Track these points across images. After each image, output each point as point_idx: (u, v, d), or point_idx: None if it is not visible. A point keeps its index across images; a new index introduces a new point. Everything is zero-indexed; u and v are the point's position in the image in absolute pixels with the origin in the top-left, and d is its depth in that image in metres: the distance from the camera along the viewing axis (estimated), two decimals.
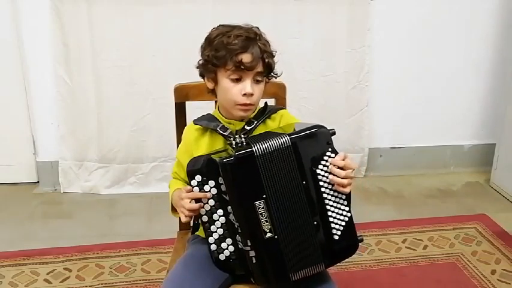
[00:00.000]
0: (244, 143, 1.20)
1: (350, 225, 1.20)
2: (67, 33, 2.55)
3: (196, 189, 1.21)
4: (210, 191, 1.20)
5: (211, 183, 1.20)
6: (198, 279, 1.25)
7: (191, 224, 1.43)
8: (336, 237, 1.20)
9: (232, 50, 1.22)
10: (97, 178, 2.78)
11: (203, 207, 1.21)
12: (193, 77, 1.41)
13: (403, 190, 2.86)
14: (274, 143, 1.15)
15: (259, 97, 1.29)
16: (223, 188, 1.19)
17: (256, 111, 1.34)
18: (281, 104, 1.51)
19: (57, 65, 2.60)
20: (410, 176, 2.98)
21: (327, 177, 1.18)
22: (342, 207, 1.20)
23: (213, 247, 1.22)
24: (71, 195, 2.76)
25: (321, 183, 1.18)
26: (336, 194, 1.19)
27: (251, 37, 1.25)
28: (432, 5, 2.78)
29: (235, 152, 1.15)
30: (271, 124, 1.35)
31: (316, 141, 1.18)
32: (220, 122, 1.33)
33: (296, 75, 2.69)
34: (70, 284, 2.04)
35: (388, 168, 3.02)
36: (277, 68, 1.32)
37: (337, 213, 1.20)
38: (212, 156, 1.20)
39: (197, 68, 1.33)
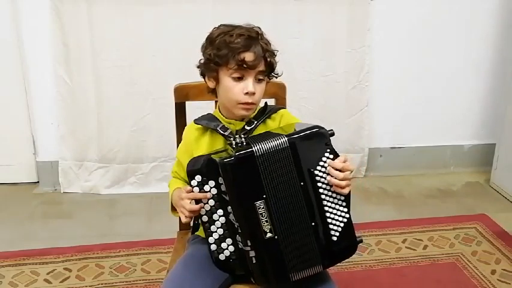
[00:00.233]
0: (244, 143, 1.20)
1: (349, 226, 1.20)
2: (67, 33, 2.55)
3: (196, 189, 1.20)
4: (210, 191, 1.20)
5: (211, 183, 1.20)
6: (198, 279, 1.25)
7: (191, 224, 1.43)
8: (335, 238, 1.20)
9: (235, 49, 1.22)
10: (97, 178, 2.78)
11: (203, 208, 1.21)
12: (193, 77, 1.41)
13: (403, 190, 2.86)
14: (273, 143, 1.15)
15: (261, 96, 1.29)
16: (223, 188, 1.19)
17: (256, 111, 1.34)
18: (281, 104, 1.51)
19: (57, 65, 2.60)
20: (410, 176, 2.98)
21: (325, 178, 1.18)
22: (341, 208, 1.20)
23: (213, 247, 1.22)
24: (71, 195, 2.76)
25: (319, 184, 1.18)
26: (334, 195, 1.19)
27: (253, 36, 1.25)
28: (432, 5, 2.78)
29: (236, 152, 1.14)
30: (272, 124, 1.35)
31: (314, 142, 1.18)
32: (220, 121, 1.33)
33: (296, 75, 2.69)
34: (70, 284, 2.04)
35: (388, 168, 3.02)
36: (278, 68, 1.32)
37: (335, 214, 1.20)
38: (212, 156, 1.20)
39: (198, 67, 1.33)
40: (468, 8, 2.81)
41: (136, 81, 2.65)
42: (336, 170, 1.16)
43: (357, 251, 1.24)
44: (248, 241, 1.17)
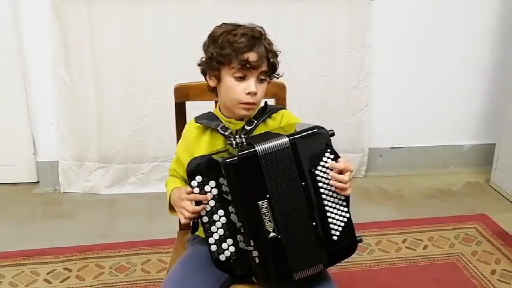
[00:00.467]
0: (245, 143, 1.20)
1: (349, 226, 1.21)
2: (67, 33, 2.55)
3: (197, 189, 1.20)
4: (210, 191, 1.20)
5: (212, 183, 1.20)
6: (198, 279, 1.25)
7: (191, 224, 1.43)
8: (335, 237, 1.20)
9: (239, 48, 1.22)
10: (97, 178, 2.78)
11: (204, 208, 1.21)
12: (194, 77, 1.41)
13: (403, 190, 2.86)
14: (274, 143, 1.15)
15: (262, 96, 1.29)
16: (224, 188, 1.19)
17: (256, 111, 1.34)
18: (281, 104, 1.51)
19: (57, 65, 2.60)
20: (410, 176, 2.98)
21: (326, 178, 1.18)
22: (341, 208, 1.20)
23: (214, 248, 1.22)
24: (71, 195, 2.76)
25: (320, 184, 1.19)
26: (334, 195, 1.20)
27: (257, 36, 1.25)
28: (432, 5, 2.78)
29: (238, 152, 1.14)
30: (272, 124, 1.35)
31: (315, 142, 1.18)
32: (220, 121, 1.33)
33: (296, 75, 2.69)
34: (70, 284, 2.04)
35: (388, 168, 3.02)
36: (278, 69, 1.31)
37: (335, 213, 1.20)
38: (213, 156, 1.20)
39: (199, 65, 1.32)
40: (468, 8, 2.81)
41: (136, 81, 2.65)
42: (339, 171, 1.17)
43: (356, 251, 1.25)
44: (251, 241, 1.17)
